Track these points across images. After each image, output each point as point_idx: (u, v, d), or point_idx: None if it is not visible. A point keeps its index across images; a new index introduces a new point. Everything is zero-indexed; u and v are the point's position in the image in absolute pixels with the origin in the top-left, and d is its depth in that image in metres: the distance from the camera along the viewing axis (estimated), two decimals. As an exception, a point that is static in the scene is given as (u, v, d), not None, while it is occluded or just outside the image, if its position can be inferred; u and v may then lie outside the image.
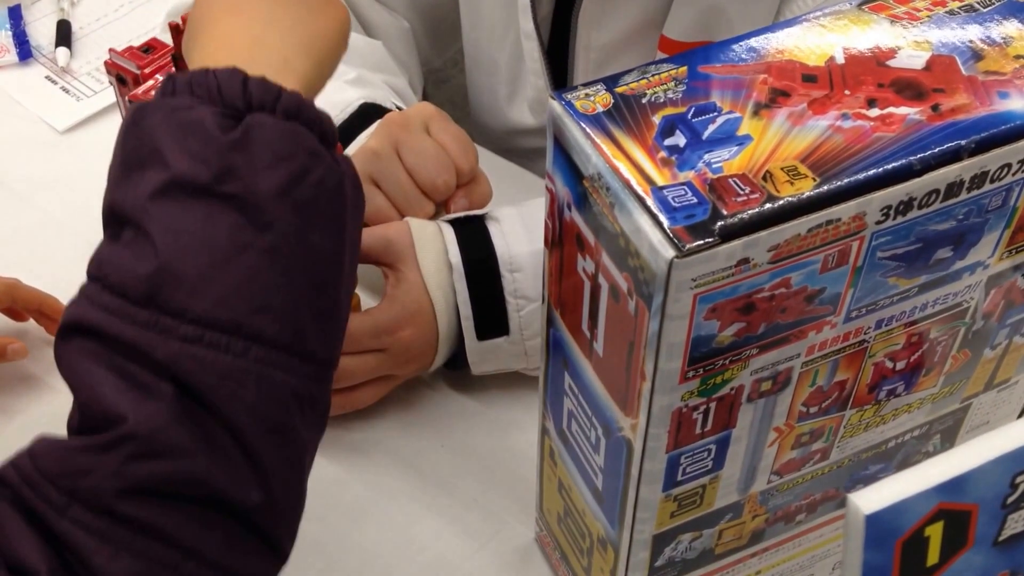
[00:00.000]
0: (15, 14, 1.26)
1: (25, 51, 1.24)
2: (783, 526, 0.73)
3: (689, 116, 0.55)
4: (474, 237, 0.89)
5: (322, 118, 0.61)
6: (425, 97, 1.25)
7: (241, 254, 0.57)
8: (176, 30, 0.77)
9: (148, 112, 0.60)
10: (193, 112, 0.58)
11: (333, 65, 0.71)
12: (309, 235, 0.59)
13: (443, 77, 1.89)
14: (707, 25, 1.00)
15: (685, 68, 0.58)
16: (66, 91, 1.20)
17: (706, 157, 0.53)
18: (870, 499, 0.40)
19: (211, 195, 0.57)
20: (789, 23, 0.60)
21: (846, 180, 0.52)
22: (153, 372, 0.55)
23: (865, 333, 0.61)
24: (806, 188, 0.52)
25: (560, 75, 1.12)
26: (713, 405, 0.59)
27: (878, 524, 0.40)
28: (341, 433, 0.91)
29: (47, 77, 1.22)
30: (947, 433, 0.74)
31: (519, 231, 0.88)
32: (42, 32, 1.27)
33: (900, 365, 0.65)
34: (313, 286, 0.59)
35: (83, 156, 1.14)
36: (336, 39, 0.71)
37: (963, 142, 0.54)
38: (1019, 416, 0.79)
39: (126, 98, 0.99)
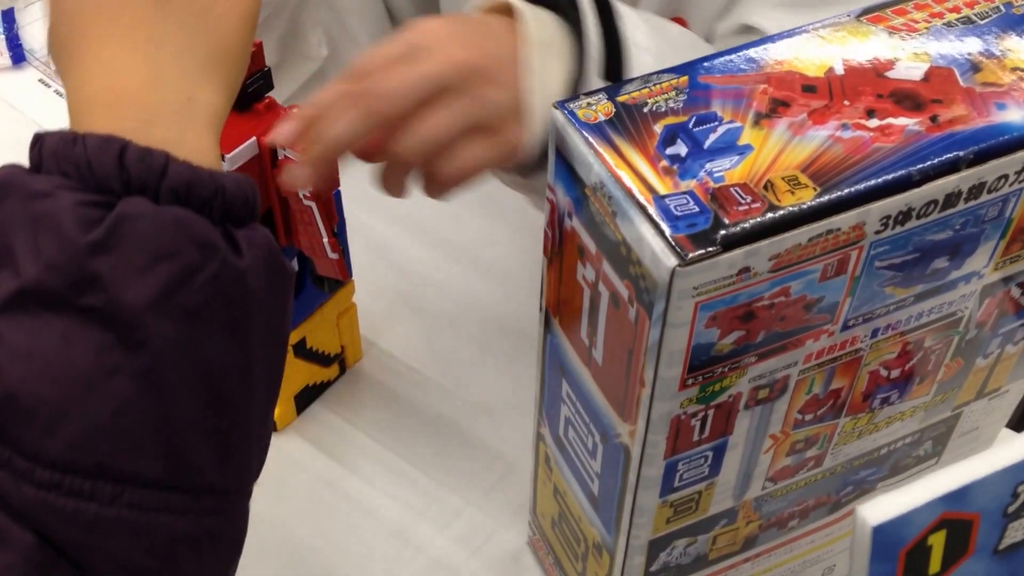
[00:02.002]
0: (8, 18, 1.26)
1: (18, 55, 1.24)
2: (776, 532, 0.73)
3: (690, 125, 0.56)
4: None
5: (222, 190, 0.50)
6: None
7: (108, 380, 0.47)
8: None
9: (5, 194, 0.49)
10: (51, 202, 0.48)
11: (244, 69, 0.58)
12: (200, 348, 0.49)
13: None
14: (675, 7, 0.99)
15: (686, 78, 0.58)
16: (60, 95, 1.19)
17: (708, 166, 0.54)
18: (877, 511, 0.40)
19: (69, 309, 0.47)
20: (788, 34, 0.60)
21: (846, 190, 0.53)
22: (11, 518, 0.47)
23: (861, 342, 0.61)
24: (807, 198, 0.52)
25: None
26: (711, 412, 0.59)
27: (884, 535, 0.41)
28: (334, 440, 0.91)
29: (40, 80, 1.22)
30: (938, 439, 0.75)
31: (643, 24, 0.76)
32: (35, 36, 1.26)
33: (894, 374, 0.65)
34: (209, 408, 0.50)
35: (76, 159, 1.13)
36: (246, 35, 0.57)
37: (961, 153, 0.54)
38: (1008, 423, 0.79)
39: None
